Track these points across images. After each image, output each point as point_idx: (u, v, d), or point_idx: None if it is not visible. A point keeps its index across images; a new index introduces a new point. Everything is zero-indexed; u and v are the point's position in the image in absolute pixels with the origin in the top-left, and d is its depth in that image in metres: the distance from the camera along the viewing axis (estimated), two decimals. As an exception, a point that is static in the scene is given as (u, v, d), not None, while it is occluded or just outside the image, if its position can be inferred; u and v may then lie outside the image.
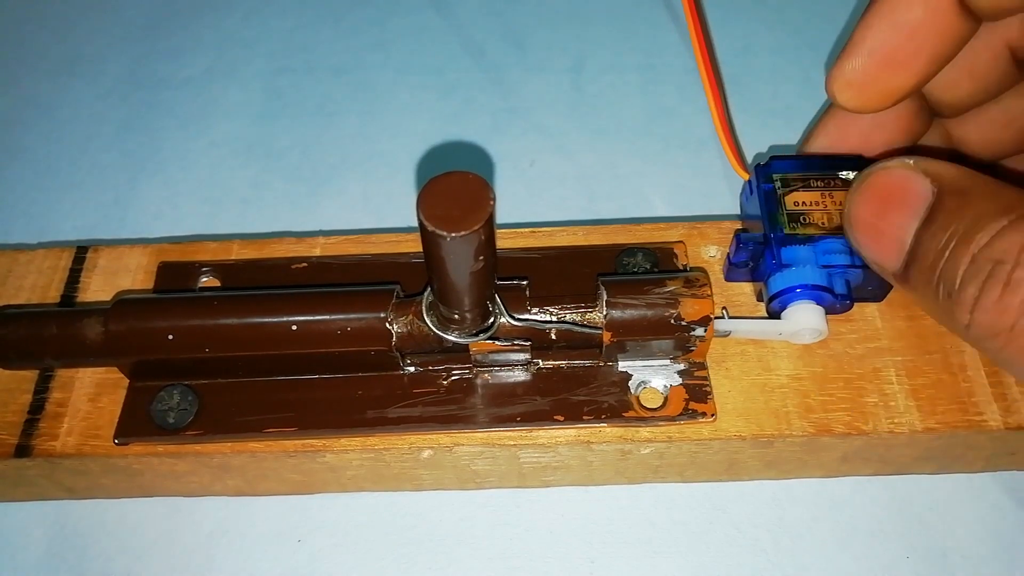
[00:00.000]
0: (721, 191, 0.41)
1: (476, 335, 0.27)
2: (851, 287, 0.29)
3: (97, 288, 0.32)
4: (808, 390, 0.29)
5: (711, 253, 0.32)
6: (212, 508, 0.32)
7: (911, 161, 0.24)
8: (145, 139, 0.44)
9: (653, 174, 0.42)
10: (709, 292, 0.27)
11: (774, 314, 0.29)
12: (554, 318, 0.28)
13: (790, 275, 0.28)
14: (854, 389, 0.29)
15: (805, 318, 0.28)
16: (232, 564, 0.31)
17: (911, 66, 0.26)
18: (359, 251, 0.33)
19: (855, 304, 0.30)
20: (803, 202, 0.29)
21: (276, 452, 0.29)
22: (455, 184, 0.23)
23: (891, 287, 0.30)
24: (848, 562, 0.31)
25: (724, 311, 0.29)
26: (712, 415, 0.28)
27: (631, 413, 0.28)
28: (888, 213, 0.24)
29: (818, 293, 0.28)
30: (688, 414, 0.28)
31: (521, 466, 0.30)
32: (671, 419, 0.28)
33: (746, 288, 0.31)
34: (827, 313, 0.29)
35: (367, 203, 0.41)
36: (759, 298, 0.30)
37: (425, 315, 0.27)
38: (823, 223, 0.29)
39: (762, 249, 0.29)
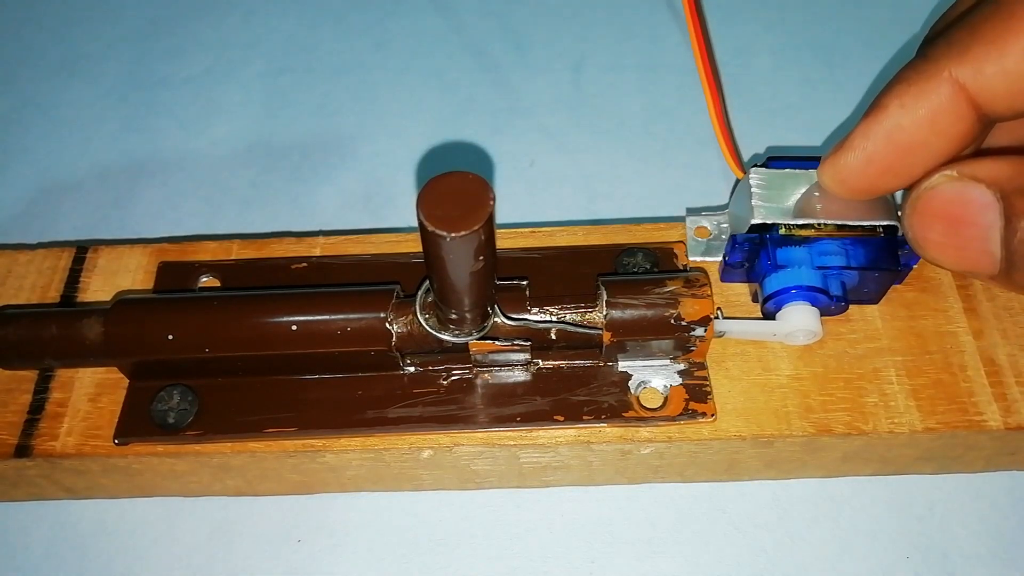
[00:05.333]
0: (721, 191, 0.41)
1: (476, 335, 0.27)
2: (846, 289, 0.29)
3: (97, 288, 0.32)
4: (808, 390, 0.29)
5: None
6: (212, 508, 0.32)
7: (953, 172, 0.24)
8: (145, 139, 0.44)
9: (653, 174, 0.42)
10: (709, 292, 0.27)
11: (769, 315, 0.29)
12: (554, 318, 0.28)
13: (785, 276, 0.28)
14: (854, 389, 0.29)
15: (799, 319, 0.28)
16: (232, 564, 0.31)
17: (907, 175, 0.25)
18: (359, 251, 0.33)
19: (853, 304, 0.30)
20: None
21: (276, 452, 0.29)
22: (455, 184, 0.23)
23: (887, 290, 0.30)
24: (848, 562, 0.31)
25: (719, 311, 0.29)
26: (712, 415, 0.28)
27: (631, 413, 0.28)
28: (960, 230, 0.24)
29: (813, 294, 0.28)
30: (688, 414, 0.28)
31: (521, 466, 0.30)
32: (671, 419, 0.28)
33: (743, 288, 0.31)
34: (822, 314, 0.29)
35: (367, 203, 0.41)
36: (755, 299, 0.30)
37: (423, 314, 0.27)
38: (819, 224, 0.29)
39: (758, 250, 0.29)
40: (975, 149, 0.27)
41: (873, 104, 0.25)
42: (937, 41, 0.24)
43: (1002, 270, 0.24)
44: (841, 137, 0.26)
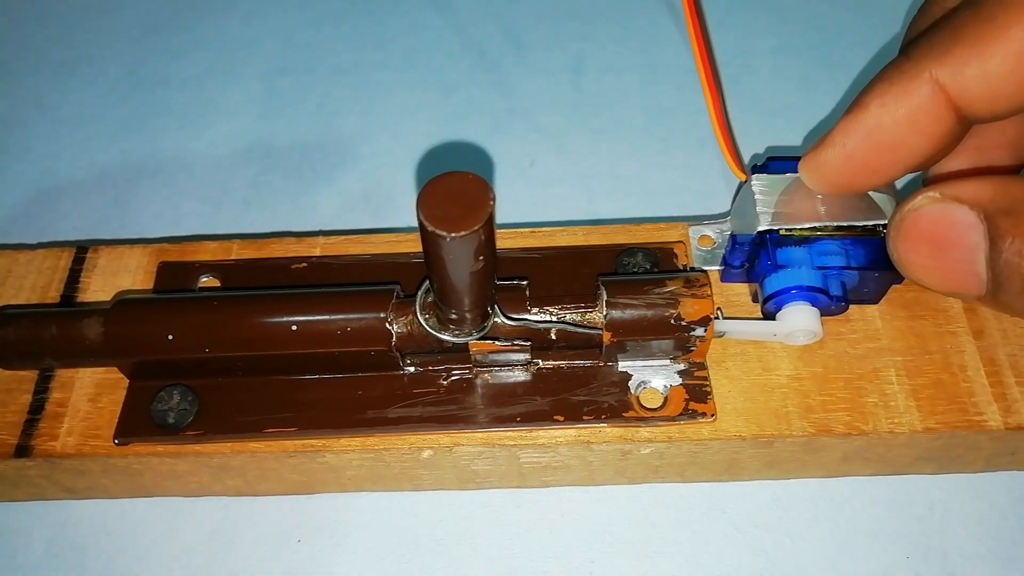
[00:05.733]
0: (721, 191, 0.41)
1: (476, 335, 0.27)
2: (846, 289, 0.29)
3: (97, 288, 0.32)
4: (808, 390, 0.29)
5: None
6: (212, 508, 0.32)
7: (936, 193, 0.24)
8: (145, 139, 0.44)
9: (653, 174, 0.42)
10: (709, 292, 0.27)
11: (769, 315, 0.29)
12: (554, 318, 0.28)
13: (785, 276, 0.28)
14: (854, 389, 0.29)
15: (799, 319, 0.28)
16: (232, 564, 0.31)
17: (886, 173, 0.26)
18: (359, 251, 0.33)
19: (853, 304, 0.30)
20: None
21: (276, 452, 0.29)
22: (455, 184, 0.23)
23: (887, 290, 0.30)
24: (848, 562, 0.31)
25: (719, 312, 0.29)
26: (712, 415, 0.28)
27: (631, 413, 0.28)
28: (945, 252, 0.24)
29: (813, 295, 0.28)
30: (688, 414, 0.28)
31: (521, 466, 0.30)
32: (671, 419, 0.28)
33: (743, 288, 0.31)
34: (822, 315, 0.29)
35: (367, 203, 0.41)
36: (755, 299, 0.30)
37: (423, 314, 0.27)
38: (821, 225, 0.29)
39: (758, 250, 0.29)
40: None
41: (854, 102, 0.25)
42: (919, 41, 0.24)
43: (989, 291, 0.24)
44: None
